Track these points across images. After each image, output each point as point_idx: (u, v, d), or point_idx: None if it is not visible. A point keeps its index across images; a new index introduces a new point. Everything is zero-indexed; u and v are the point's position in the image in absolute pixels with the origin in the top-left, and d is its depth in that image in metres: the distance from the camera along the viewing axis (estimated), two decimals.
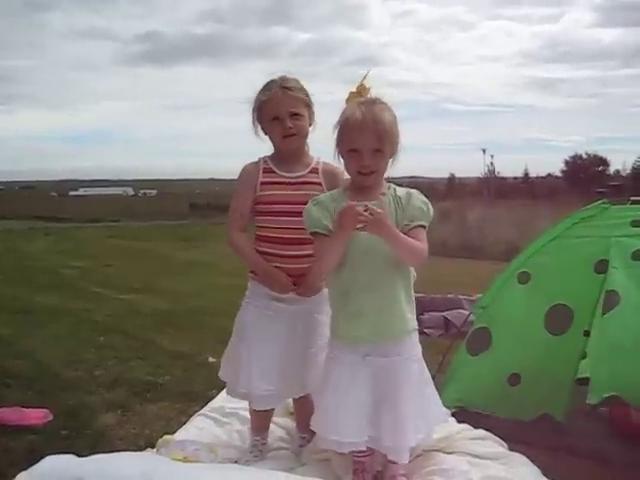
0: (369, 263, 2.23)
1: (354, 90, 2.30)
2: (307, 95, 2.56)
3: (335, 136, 2.30)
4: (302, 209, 2.45)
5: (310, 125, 2.58)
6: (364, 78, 2.30)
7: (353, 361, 2.28)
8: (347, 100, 2.31)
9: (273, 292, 2.56)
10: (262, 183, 2.55)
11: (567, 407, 3.16)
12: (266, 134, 2.59)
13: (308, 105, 2.55)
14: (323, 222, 2.25)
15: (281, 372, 2.54)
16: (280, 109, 2.49)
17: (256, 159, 2.63)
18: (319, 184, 2.56)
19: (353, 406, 2.26)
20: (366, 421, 2.27)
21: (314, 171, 2.59)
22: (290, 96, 2.50)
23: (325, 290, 2.60)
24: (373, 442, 2.31)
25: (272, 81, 2.54)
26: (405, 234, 2.22)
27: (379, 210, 2.12)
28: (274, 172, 2.57)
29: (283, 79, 2.53)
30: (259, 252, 2.58)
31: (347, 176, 2.42)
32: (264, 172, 2.57)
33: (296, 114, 2.50)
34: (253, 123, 2.59)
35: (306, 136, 2.59)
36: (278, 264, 2.54)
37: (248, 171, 2.60)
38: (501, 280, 3.59)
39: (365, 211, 2.10)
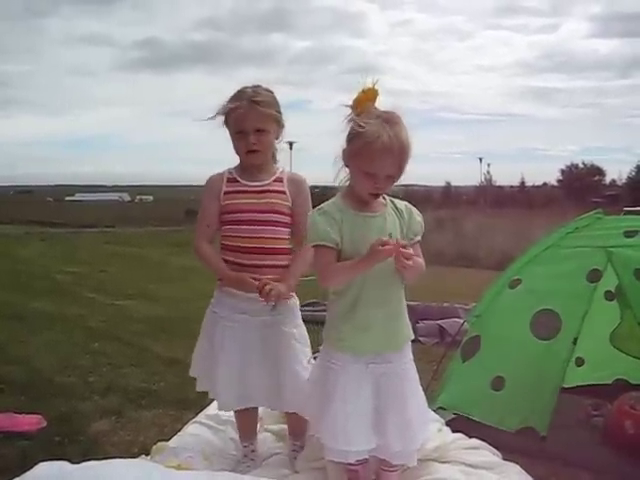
0: (378, 277, 2.20)
1: (363, 92, 2.19)
2: (277, 110, 2.50)
3: (346, 145, 2.21)
4: (265, 217, 2.48)
5: (277, 139, 2.55)
6: (375, 84, 2.19)
7: (357, 370, 2.27)
8: (356, 103, 2.20)
9: (241, 303, 2.52)
10: (225, 192, 2.52)
11: (549, 418, 3.13)
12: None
13: (277, 120, 2.50)
14: (332, 235, 2.17)
15: (243, 382, 2.53)
16: (245, 124, 2.44)
17: (221, 170, 2.60)
18: (283, 192, 2.54)
19: (360, 415, 2.25)
20: (372, 429, 2.27)
21: (278, 180, 2.56)
22: (258, 111, 2.43)
23: (291, 302, 2.60)
24: (380, 450, 2.30)
25: (242, 92, 2.47)
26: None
27: (411, 252, 2.11)
28: (237, 181, 2.54)
29: (255, 91, 2.46)
30: (225, 261, 2.55)
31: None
32: (228, 182, 2.54)
33: (261, 130, 2.45)
34: (210, 119, 2.51)
35: (270, 151, 2.55)
36: (242, 274, 2.50)
37: (213, 181, 2.58)
38: (495, 289, 3.61)
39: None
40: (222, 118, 2.52)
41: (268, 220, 2.51)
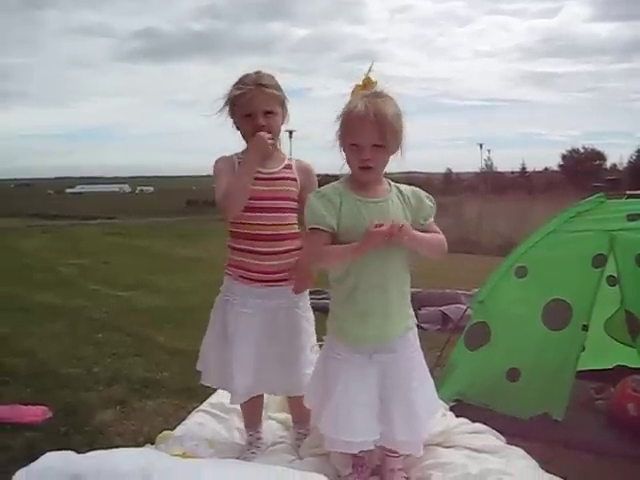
0: (379, 262, 2.21)
1: (360, 83, 2.26)
2: (282, 92, 2.52)
3: (337, 129, 2.26)
4: (278, 205, 2.48)
5: (283, 123, 2.56)
6: (369, 71, 2.26)
7: (360, 360, 2.28)
8: (352, 93, 2.26)
9: (254, 288, 2.52)
10: None
11: (565, 405, 3.15)
12: (238, 129, 2.55)
13: (282, 103, 2.52)
14: (327, 219, 2.20)
15: (258, 368, 2.53)
16: (254, 106, 2.44)
17: (227, 154, 2.57)
18: (294, 179, 2.55)
19: (364, 405, 2.26)
20: (377, 419, 2.28)
21: (288, 167, 2.57)
22: (265, 93, 2.45)
23: None
24: (385, 439, 2.32)
25: (247, 76, 2.49)
26: (423, 231, 2.27)
27: (407, 225, 2.14)
28: None
29: (259, 75, 2.48)
30: (235, 249, 2.56)
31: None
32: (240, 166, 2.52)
33: (270, 112, 2.46)
34: (219, 112, 2.52)
35: (278, 134, 2.55)
36: (255, 261, 2.51)
37: (225, 161, 2.54)
38: (498, 274, 3.61)
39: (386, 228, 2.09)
40: (227, 108, 2.52)
41: (283, 207, 2.52)
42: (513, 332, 3.41)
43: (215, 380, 2.66)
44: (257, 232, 2.50)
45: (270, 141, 2.45)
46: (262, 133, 2.43)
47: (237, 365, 2.51)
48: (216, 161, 2.56)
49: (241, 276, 2.56)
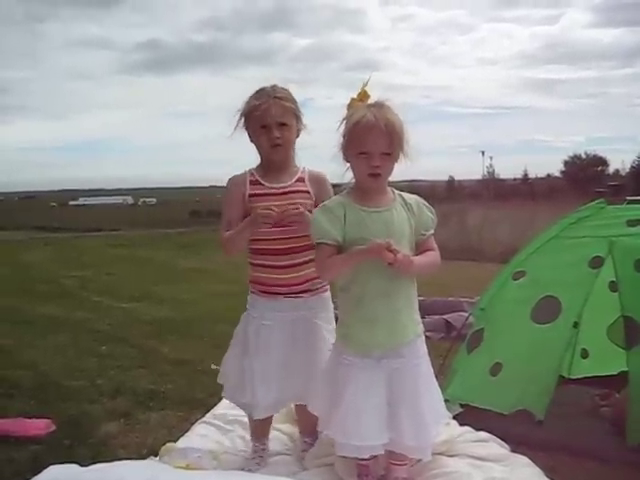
0: (384, 269, 2.21)
1: (355, 97, 2.30)
2: (296, 105, 2.56)
3: (341, 140, 2.28)
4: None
5: (297, 136, 2.58)
6: (365, 84, 2.30)
7: (369, 365, 2.29)
8: (348, 106, 2.30)
9: (274, 302, 2.55)
10: (250, 195, 2.54)
11: (547, 402, 3.13)
12: (252, 141, 2.59)
13: (297, 115, 2.55)
14: (332, 233, 2.23)
15: (281, 380, 2.55)
16: (269, 118, 2.48)
17: (242, 171, 2.62)
18: (307, 192, 2.57)
19: (373, 410, 2.27)
20: (385, 423, 2.29)
21: (300, 180, 2.59)
22: (280, 105, 2.49)
23: (323, 295, 2.63)
24: (393, 444, 2.33)
25: (263, 89, 2.53)
26: (421, 243, 2.32)
27: (409, 257, 2.19)
28: (261, 184, 2.56)
29: (275, 88, 2.53)
30: (255, 265, 2.60)
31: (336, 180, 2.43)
32: (251, 184, 2.56)
33: (284, 124, 2.50)
34: (235, 128, 2.57)
35: (292, 147, 2.58)
36: (274, 275, 2.55)
37: (235, 182, 2.60)
38: (499, 281, 3.62)
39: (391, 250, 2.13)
40: (242, 121, 2.56)
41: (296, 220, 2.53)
42: (503, 330, 3.42)
43: (235, 395, 2.66)
44: (273, 247, 2.53)
45: (266, 221, 2.44)
46: (260, 211, 2.45)
47: (259, 378, 2.52)
48: (229, 180, 2.63)
49: (262, 290, 2.61)
